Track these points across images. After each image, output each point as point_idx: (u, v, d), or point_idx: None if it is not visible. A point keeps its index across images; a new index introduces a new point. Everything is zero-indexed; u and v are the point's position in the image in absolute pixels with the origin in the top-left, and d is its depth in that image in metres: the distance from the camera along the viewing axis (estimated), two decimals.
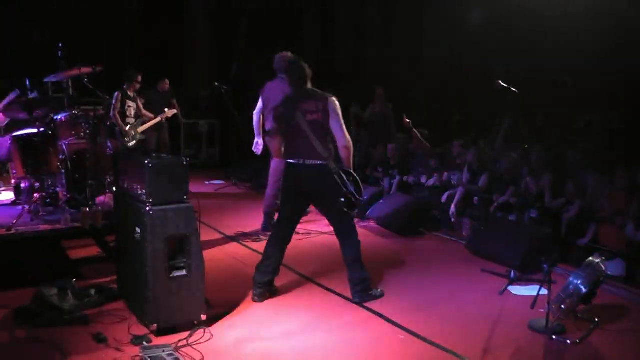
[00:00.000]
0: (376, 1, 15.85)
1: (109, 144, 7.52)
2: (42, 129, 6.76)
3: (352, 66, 15.35)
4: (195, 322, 4.97)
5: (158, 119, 10.63)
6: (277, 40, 15.47)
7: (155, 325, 4.81)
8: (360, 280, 5.72)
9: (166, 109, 10.87)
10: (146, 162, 4.78)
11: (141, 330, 4.89)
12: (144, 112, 10.80)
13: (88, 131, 7.06)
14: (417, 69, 14.38)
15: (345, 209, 5.49)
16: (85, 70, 7.28)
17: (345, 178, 5.45)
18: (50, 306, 5.14)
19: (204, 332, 4.91)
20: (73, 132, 7.07)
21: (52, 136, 6.87)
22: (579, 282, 5.03)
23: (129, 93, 10.12)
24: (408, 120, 9.82)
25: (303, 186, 5.65)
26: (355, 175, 5.55)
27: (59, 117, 7.08)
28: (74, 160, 6.87)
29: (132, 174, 5.16)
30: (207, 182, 12.15)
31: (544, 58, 12.04)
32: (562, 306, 5.00)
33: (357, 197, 5.47)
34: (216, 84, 11.98)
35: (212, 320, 5.15)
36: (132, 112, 10.22)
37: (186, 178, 4.98)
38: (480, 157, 8.98)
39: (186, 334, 4.85)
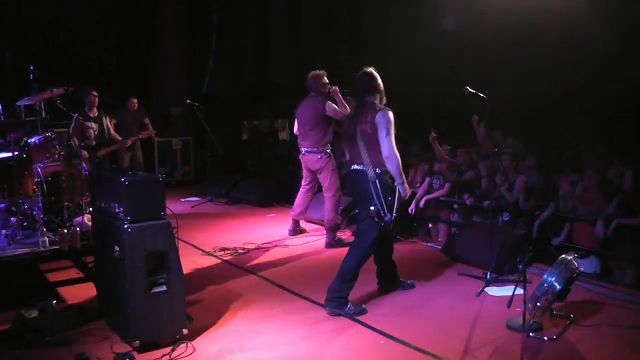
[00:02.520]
0: (344, 7, 16.02)
1: (84, 165, 7.52)
2: (16, 153, 6.74)
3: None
4: (177, 336, 5.00)
5: (114, 147, 10.66)
6: (247, 55, 15.60)
7: (138, 341, 4.83)
8: (333, 290, 5.71)
9: (140, 134, 10.86)
10: (122, 179, 4.82)
11: (124, 348, 4.89)
12: (112, 133, 10.80)
13: (62, 153, 7.08)
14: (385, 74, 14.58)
15: (374, 217, 5.54)
16: (57, 91, 7.28)
17: (380, 188, 5.51)
18: (30, 328, 5.13)
19: (186, 346, 4.94)
20: (47, 155, 7.09)
21: (27, 159, 6.85)
22: (553, 279, 5.13)
23: (89, 114, 9.89)
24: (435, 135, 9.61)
25: (347, 189, 5.84)
26: (397, 188, 5.58)
27: (33, 140, 7.09)
28: (49, 182, 6.86)
29: (108, 192, 5.18)
30: (182, 200, 12.12)
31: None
32: (538, 304, 5.10)
33: (386, 211, 5.49)
34: (188, 101, 12.06)
35: (194, 334, 5.18)
36: (92, 134, 9.91)
37: (162, 194, 5.03)
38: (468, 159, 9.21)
39: (169, 349, 4.87)
